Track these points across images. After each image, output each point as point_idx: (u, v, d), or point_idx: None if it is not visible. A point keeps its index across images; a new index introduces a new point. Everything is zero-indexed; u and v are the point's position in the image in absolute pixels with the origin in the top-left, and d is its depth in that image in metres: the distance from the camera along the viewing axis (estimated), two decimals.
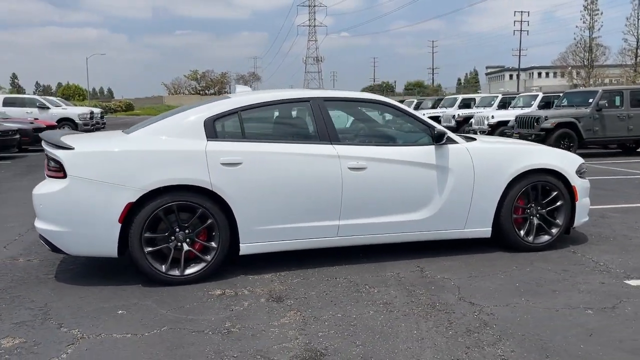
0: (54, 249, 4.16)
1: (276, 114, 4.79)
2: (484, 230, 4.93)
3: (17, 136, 15.70)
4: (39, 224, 4.14)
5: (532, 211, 5.08)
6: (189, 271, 4.24)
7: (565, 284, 4.16)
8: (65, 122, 23.57)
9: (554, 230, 5.16)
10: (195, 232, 4.26)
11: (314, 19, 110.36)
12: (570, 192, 5.10)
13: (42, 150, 4.33)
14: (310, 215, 4.46)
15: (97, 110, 27.89)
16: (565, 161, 5.14)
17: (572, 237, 5.39)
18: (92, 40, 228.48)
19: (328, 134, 4.55)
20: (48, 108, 23.61)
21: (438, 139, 4.67)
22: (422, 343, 3.18)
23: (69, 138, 4.24)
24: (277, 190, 4.35)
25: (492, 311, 3.63)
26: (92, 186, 4.02)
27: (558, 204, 5.11)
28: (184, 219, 4.22)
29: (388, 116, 5.01)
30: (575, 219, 5.17)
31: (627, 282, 4.20)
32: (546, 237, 5.12)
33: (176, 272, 4.20)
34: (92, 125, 23.87)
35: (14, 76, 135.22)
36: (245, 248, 4.37)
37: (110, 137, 4.53)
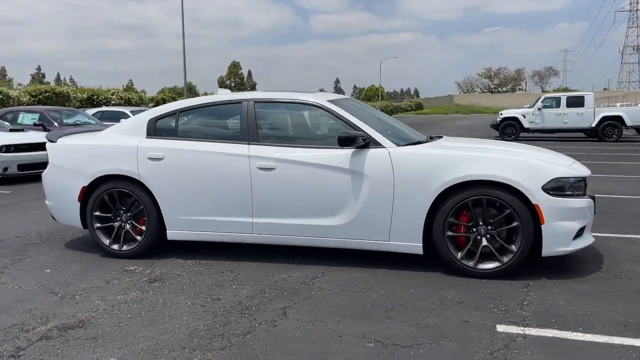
0: (53, 218, 5.44)
1: (212, 115, 5.13)
2: (413, 245, 4.40)
3: None
4: (46, 199, 5.46)
5: (479, 230, 4.30)
6: (125, 247, 5.03)
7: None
8: None
9: (506, 258, 4.26)
10: (133, 216, 5.01)
11: (636, 2, 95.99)
12: (532, 212, 4.14)
13: None
14: (226, 211, 4.76)
15: None
16: (524, 173, 4.17)
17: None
18: (406, 44, 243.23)
19: (248, 135, 4.75)
20: None
21: (342, 142, 4.37)
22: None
23: (62, 135, 5.41)
24: (195, 184, 4.78)
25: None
26: (62, 171, 5.14)
27: (513, 224, 4.21)
28: (125, 204, 5.02)
29: (325, 119, 4.84)
30: (544, 245, 4.17)
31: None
32: (493, 265, 4.27)
33: (116, 247, 5.04)
34: None
35: (337, 81, 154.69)
36: (170, 234, 4.94)
37: (90, 135, 5.54)
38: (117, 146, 5.01)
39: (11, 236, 5.88)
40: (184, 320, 3.57)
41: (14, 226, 6.39)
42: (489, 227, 4.28)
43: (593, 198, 4.44)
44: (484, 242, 4.29)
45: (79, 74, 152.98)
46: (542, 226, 4.15)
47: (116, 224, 5.06)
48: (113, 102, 27.63)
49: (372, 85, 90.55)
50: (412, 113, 70.15)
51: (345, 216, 4.48)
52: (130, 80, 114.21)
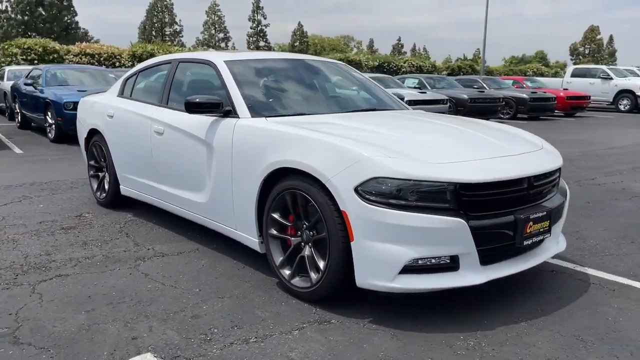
0: None
1: (153, 76, 4.94)
2: (252, 240, 3.61)
3: (502, 104, 16.93)
4: None
5: (303, 236, 3.26)
6: (99, 194, 5.50)
7: None
8: (625, 94, 22.28)
9: (315, 276, 3.13)
10: (107, 171, 5.39)
11: None
12: (342, 222, 2.93)
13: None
14: (143, 173, 4.73)
15: None
16: (339, 165, 2.92)
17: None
18: None
19: (163, 97, 4.57)
20: (611, 79, 22.79)
21: (187, 107, 3.73)
22: None
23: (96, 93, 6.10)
24: (129, 145, 4.88)
25: None
26: (79, 122, 5.87)
27: (323, 234, 3.06)
28: (103, 158, 5.43)
29: (217, 81, 4.14)
30: (356, 272, 2.92)
31: None
32: (307, 283, 3.19)
33: (98, 194, 5.55)
34: None
35: None
36: (122, 189, 5.17)
37: (102, 94, 5.93)
38: (97, 103, 5.45)
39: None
40: None
41: None
42: (311, 233, 3.20)
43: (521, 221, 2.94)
44: (306, 251, 3.23)
45: (436, 45, 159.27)
46: (352, 244, 2.90)
47: (101, 174, 5.55)
48: (404, 70, 28.40)
49: None
50: None
51: (205, 194, 3.95)
52: (478, 49, 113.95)
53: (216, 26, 73.46)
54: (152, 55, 20.50)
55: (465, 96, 15.84)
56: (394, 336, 2.82)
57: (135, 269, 3.73)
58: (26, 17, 52.50)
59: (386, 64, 28.29)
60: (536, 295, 3.38)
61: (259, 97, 3.97)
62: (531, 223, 3.06)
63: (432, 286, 2.89)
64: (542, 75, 33.76)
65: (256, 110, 3.76)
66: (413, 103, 14.23)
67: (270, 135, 3.40)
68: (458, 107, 15.83)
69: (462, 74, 30.68)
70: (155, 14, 69.67)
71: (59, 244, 4.27)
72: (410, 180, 2.80)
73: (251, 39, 73.42)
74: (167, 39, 68.06)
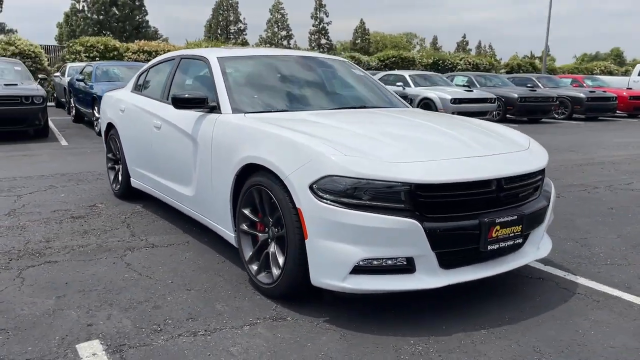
0: None
1: (161, 72, 5.02)
2: (229, 234, 3.64)
3: (555, 103, 16.24)
4: None
5: (270, 232, 3.26)
6: (114, 186, 5.71)
7: None
8: None
9: (276, 273, 3.12)
10: (120, 161, 5.59)
11: None
12: (299, 219, 2.91)
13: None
14: (146, 166, 4.87)
15: None
16: (297, 162, 2.91)
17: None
18: None
19: (164, 92, 4.68)
20: None
21: (174, 102, 3.80)
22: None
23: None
24: (136, 139, 5.03)
25: None
26: (101, 115, 6.11)
27: (282, 231, 3.05)
28: (115, 148, 5.63)
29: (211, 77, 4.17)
30: (310, 270, 2.90)
31: None
32: (270, 280, 3.19)
33: (114, 186, 5.77)
34: None
35: None
36: (132, 182, 5.33)
37: (121, 89, 6.15)
38: (113, 98, 5.66)
39: None
40: None
41: None
42: (275, 230, 3.20)
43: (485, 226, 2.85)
44: (272, 247, 3.23)
45: (503, 42, 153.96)
46: (306, 242, 2.87)
47: (117, 167, 5.75)
48: (459, 67, 27.72)
49: None
50: None
51: (192, 187, 4.03)
52: (548, 45, 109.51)
53: (279, 24, 74.30)
54: None
55: (515, 95, 15.28)
56: (343, 337, 2.78)
57: (120, 259, 3.86)
58: (101, 17, 55.09)
59: (441, 61, 27.72)
60: (510, 302, 3.23)
61: (243, 93, 3.99)
62: (498, 227, 2.93)
63: (385, 288, 2.82)
64: (610, 73, 32.07)
65: (239, 106, 3.79)
66: (457, 102, 13.90)
67: (244, 131, 3.42)
68: (507, 107, 15.32)
69: (521, 72, 29.62)
70: (221, 12, 71.30)
71: (62, 232, 4.47)
72: (363, 179, 2.75)
73: (313, 36, 73.82)
74: (232, 37, 69.65)
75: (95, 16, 55.12)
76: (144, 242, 4.25)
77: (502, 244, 2.98)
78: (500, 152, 3.22)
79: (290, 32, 74.69)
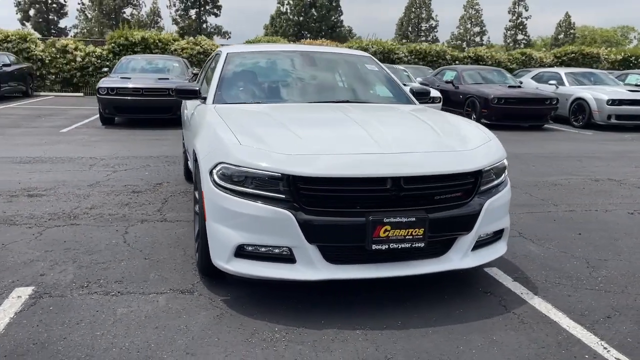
0: None
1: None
2: None
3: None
4: None
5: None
6: None
7: None
8: None
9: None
10: None
11: None
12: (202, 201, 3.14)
13: None
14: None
15: None
16: (208, 147, 3.16)
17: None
18: None
19: (203, 83, 5.16)
20: None
21: (175, 93, 4.24)
22: None
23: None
24: (186, 126, 5.61)
25: None
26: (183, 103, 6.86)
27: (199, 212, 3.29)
28: None
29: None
30: (210, 250, 3.10)
31: None
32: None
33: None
34: None
35: None
36: (189, 164, 5.94)
37: None
38: None
39: None
40: None
41: None
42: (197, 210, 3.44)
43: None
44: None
45: None
46: (206, 223, 3.08)
47: None
48: None
49: None
50: None
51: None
52: None
53: (472, 20, 71.96)
54: None
55: None
56: (220, 315, 2.93)
57: (124, 229, 4.42)
58: (301, 18, 59.25)
59: (633, 57, 24.33)
60: (421, 306, 3.04)
61: (231, 86, 4.26)
62: (388, 227, 2.79)
63: (264, 275, 2.90)
64: None
65: (221, 97, 4.09)
66: (616, 103, 12.35)
67: (203, 118, 3.72)
68: None
69: None
70: (413, 10, 71.43)
71: (110, 202, 5.23)
72: (250, 169, 2.86)
73: (508, 32, 70.06)
74: (422, 34, 69.38)
75: (296, 17, 59.39)
76: (159, 216, 4.78)
77: (394, 246, 2.83)
78: (417, 150, 3.03)
79: (483, 29, 71.91)
